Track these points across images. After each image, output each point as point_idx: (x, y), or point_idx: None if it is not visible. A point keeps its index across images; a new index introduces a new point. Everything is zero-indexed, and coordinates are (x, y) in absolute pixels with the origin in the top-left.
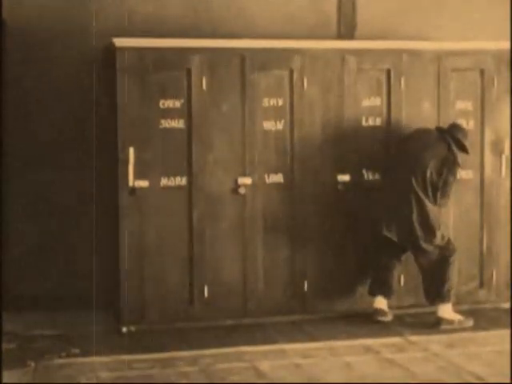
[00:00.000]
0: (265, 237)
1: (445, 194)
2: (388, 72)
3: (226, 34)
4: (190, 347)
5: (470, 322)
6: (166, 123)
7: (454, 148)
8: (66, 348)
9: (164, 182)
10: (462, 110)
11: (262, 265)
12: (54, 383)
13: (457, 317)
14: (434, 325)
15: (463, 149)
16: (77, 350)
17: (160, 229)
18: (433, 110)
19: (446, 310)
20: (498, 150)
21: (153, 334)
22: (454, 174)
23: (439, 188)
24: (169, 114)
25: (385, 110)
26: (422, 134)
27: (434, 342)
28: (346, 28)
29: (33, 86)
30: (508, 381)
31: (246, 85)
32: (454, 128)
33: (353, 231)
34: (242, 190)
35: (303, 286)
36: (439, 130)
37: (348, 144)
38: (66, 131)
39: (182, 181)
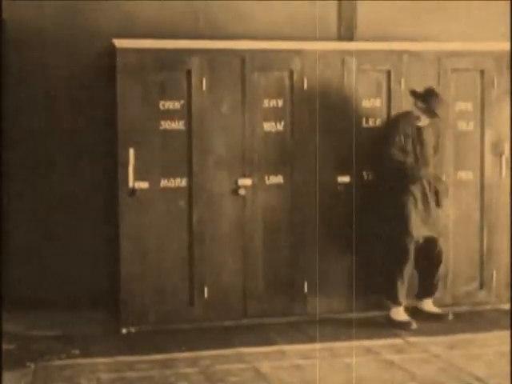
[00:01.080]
0: (265, 238)
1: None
2: (388, 73)
3: (226, 36)
4: (190, 348)
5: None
6: (166, 124)
7: (418, 112)
8: (66, 349)
9: (164, 183)
10: (462, 111)
11: (261, 266)
12: None
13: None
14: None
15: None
16: (77, 351)
17: (160, 230)
18: None
19: (398, 312)
20: (498, 151)
21: (153, 335)
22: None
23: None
24: (169, 115)
25: (385, 111)
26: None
27: (433, 343)
28: (346, 29)
29: (33, 86)
30: (508, 382)
31: (246, 86)
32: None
33: (353, 232)
34: (241, 191)
35: (303, 286)
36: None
37: (348, 145)
38: (66, 131)
39: (181, 182)
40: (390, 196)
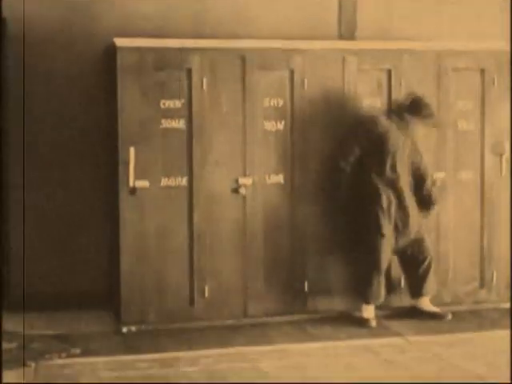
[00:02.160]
0: (265, 237)
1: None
2: (388, 72)
3: (227, 34)
4: (191, 347)
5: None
6: (167, 123)
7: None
8: (67, 348)
9: (164, 182)
10: (462, 110)
11: (262, 265)
12: (55, 383)
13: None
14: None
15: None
16: (77, 350)
17: (160, 229)
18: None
19: (366, 310)
20: (498, 151)
21: (153, 334)
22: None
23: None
24: (169, 113)
25: (385, 111)
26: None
27: (434, 342)
28: (347, 28)
29: (33, 86)
30: (508, 381)
31: (247, 85)
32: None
33: (353, 231)
34: (242, 191)
35: (304, 285)
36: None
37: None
38: (66, 131)
39: (182, 181)
40: (368, 197)
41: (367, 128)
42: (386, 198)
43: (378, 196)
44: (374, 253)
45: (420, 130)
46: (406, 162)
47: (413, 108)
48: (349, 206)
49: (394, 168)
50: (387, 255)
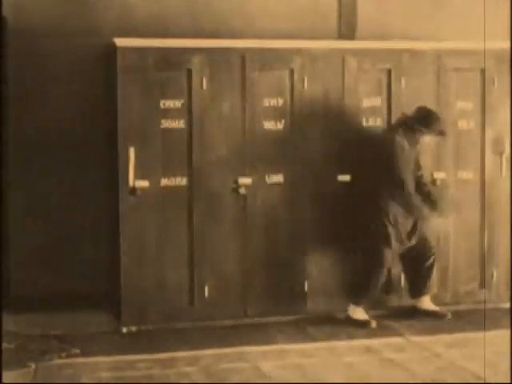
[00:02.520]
0: (265, 237)
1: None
2: (388, 72)
3: (227, 34)
4: (191, 347)
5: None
6: (167, 123)
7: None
8: (67, 348)
9: (164, 181)
10: (462, 110)
11: (262, 265)
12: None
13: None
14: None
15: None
16: (77, 351)
17: (160, 229)
18: None
19: (356, 311)
20: (498, 150)
21: (153, 334)
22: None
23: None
24: (169, 113)
25: (385, 110)
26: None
27: (434, 342)
28: (347, 28)
29: (33, 85)
30: (508, 381)
31: (247, 85)
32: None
33: (353, 231)
34: (242, 190)
35: (303, 286)
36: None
37: (349, 144)
38: (66, 131)
39: (182, 181)
40: (375, 202)
41: (380, 140)
42: (393, 207)
43: (386, 206)
44: (378, 260)
45: (426, 140)
46: (412, 173)
47: (424, 122)
48: (351, 211)
49: (401, 180)
50: (389, 262)
